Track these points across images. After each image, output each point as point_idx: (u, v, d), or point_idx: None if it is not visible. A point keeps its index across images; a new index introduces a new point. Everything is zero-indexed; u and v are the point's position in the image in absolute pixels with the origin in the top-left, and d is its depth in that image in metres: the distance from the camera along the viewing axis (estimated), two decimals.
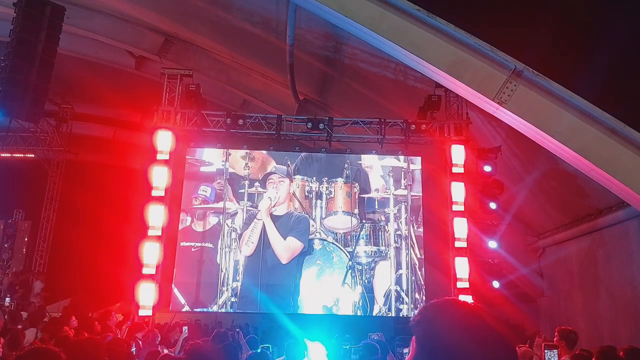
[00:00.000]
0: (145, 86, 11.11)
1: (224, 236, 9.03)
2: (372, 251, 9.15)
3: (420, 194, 9.27)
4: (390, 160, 9.52)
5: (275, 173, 9.22)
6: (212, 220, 9.21)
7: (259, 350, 4.44)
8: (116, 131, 14.03)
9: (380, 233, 9.23)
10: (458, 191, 8.41)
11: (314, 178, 9.38)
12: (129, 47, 11.54)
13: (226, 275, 8.89)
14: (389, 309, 8.89)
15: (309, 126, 8.90)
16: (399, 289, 8.95)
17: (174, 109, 8.99)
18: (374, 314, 8.87)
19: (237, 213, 9.21)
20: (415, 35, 6.40)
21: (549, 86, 6.29)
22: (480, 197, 8.47)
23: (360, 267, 9.03)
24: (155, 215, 8.34)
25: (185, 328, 6.39)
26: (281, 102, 11.22)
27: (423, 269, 8.97)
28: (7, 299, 10.03)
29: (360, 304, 8.84)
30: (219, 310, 8.85)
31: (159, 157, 8.63)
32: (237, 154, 9.50)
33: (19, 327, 6.96)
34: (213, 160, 9.56)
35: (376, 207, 9.33)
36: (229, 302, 8.80)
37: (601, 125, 6.14)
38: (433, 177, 9.60)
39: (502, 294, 8.81)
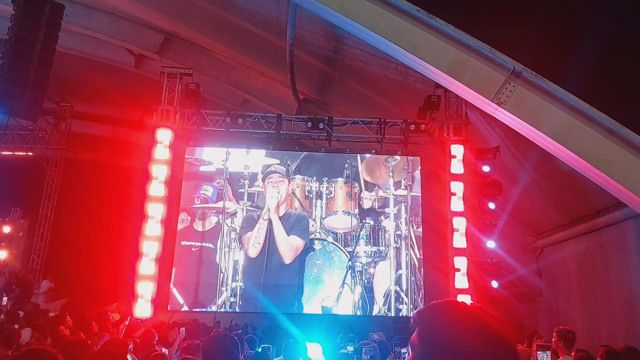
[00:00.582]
0: (144, 85, 11.09)
1: (223, 236, 9.02)
2: (372, 251, 9.16)
3: (420, 194, 9.28)
4: (390, 160, 9.53)
5: (276, 172, 9.21)
6: (213, 220, 9.20)
7: (258, 350, 4.44)
8: (115, 130, 13.99)
9: (380, 233, 9.24)
10: (457, 191, 8.43)
11: (314, 178, 9.39)
12: (129, 45, 11.52)
13: (225, 275, 8.88)
14: (389, 309, 8.90)
15: (308, 125, 8.90)
16: (398, 289, 8.96)
17: (173, 108, 8.98)
18: (373, 314, 8.88)
19: (236, 213, 9.21)
20: (415, 36, 6.41)
21: (547, 87, 6.31)
22: (479, 197, 8.49)
23: (360, 267, 9.04)
24: (154, 215, 8.32)
25: (182, 329, 6.38)
26: (281, 101, 11.22)
27: (422, 269, 8.98)
28: (4, 298, 9.99)
29: (360, 304, 8.85)
30: (218, 310, 8.84)
31: (158, 156, 8.62)
32: (237, 153, 9.49)
33: (16, 326, 6.95)
34: (213, 159, 9.55)
35: (376, 207, 9.35)
36: (228, 302, 8.79)
37: (599, 126, 6.17)
38: (432, 177, 9.62)
39: (500, 293, 8.83)
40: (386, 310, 8.91)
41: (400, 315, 8.82)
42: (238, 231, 9.08)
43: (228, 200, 9.23)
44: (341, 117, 9.75)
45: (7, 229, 13.11)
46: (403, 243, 9.10)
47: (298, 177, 9.39)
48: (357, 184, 9.42)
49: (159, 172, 8.55)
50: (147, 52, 11.46)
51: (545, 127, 6.33)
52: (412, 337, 0.98)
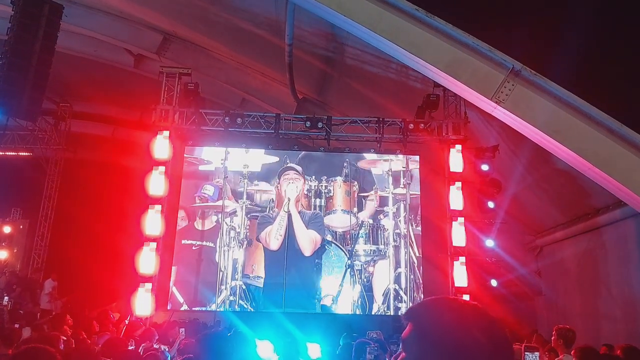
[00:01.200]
0: (144, 84, 11.09)
1: (222, 235, 9.03)
2: (371, 250, 9.16)
3: (419, 193, 9.29)
4: (389, 159, 9.54)
5: (293, 169, 9.23)
6: (213, 219, 9.22)
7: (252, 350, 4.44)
8: (115, 129, 13.99)
9: (379, 232, 9.24)
10: (456, 190, 8.43)
11: (313, 177, 9.40)
12: (128, 45, 11.51)
13: (225, 274, 8.89)
14: (388, 308, 8.90)
15: (307, 125, 8.90)
16: (397, 287, 8.96)
17: (172, 108, 8.98)
18: (372, 313, 8.89)
19: (235, 212, 9.21)
20: (414, 35, 6.40)
21: (546, 85, 6.30)
22: (478, 196, 8.49)
23: (359, 266, 9.04)
24: (154, 215, 8.33)
25: (182, 330, 6.39)
26: (280, 101, 11.22)
27: (421, 268, 8.99)
28: (6, 298, 10.01)
29: (359, 303, 8.86)
30: (218, 309, 8.85)
31: (158, 155, 8.62)
32: (236, 152, 9.49)
33: (16, 325, 6.97)
34: (212, 159, 9.55)
35: (375, 205, 9.35)
36: (228, 301, 8.80)
37: (598, 124, 6.16)
38: (431, 176, 9.62)
39: (500, 292, 8.84)
40: (385, 309, 8.91)
41: (400, 313, 8.82)
42: (238, 230, 9.09)
43: (227, 199, 9.24)
44: (340, 116, 9.74)
45: (7, 229, 13.13)
46: (402, 242, 9.11)
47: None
48: (356, 183, 9.43)
49: (158, 172, 8.56)
50: (146, 52, 11.45)
51: (544, 126, 6.32)
52: (405, 333, 0.95)
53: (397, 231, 9.19)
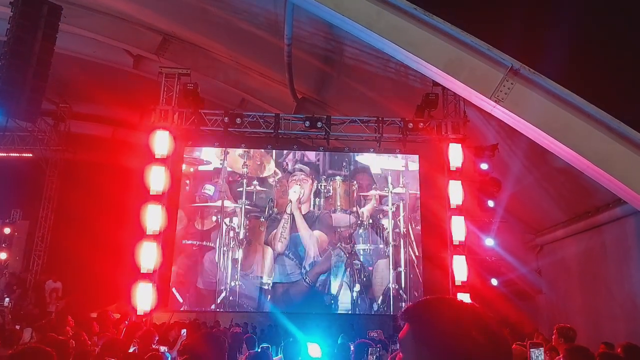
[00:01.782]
0: (143, 85, 11.09)
1: (222, 235, 9.03)
2: (370, 249, 9.16)
3: (418, 192, 9.28)
4: (389, 159, 9.53)
5: (302, 171, 9.28)
6: (212, 219, 9.23)
7: (258, 350, 4.44)
8: (114, 130, 13.99)
9: (378, 231, 9.24)
10: (455, 189, 8.42)
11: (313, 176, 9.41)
12: (127, 46, 11.51)
13: (225, 275, 8.89)
14: (388, 307, 8.90)
15: (307, 125, 8.90)
16: (397, 286, 8.96)
17: (171, 108, 8.98)
18: (372, 312, 8.89)
19: (235, 212, 9.22)
20: (412, 34, 6.39)
21: (545, 84, 6.29)
22: (478, 195, 8.48)
23: (359, 266, 9.04)
24: (153, 215, 8.33)
25: (184, 330, 6.38)
26: (280, 101, 11.22)
27: (421, 267, 8.98)
28: (7, 299, 10.02)
29: (359, 302, 8.86)
30: (218, 310, 8.85)
31: (157, 155, 8.63)
32: (235, 153, 9.50)
33: (17, 327, 6.97)
34: (211, 159, 9.56)
35: (375, 205, 9.35)
36: (227, 302, 8.80)
37: (598, 122, 6.15)
38: (431, 175, 9.61)
39: (500, 291, 8.83)
40: (385, 309, 8.91)
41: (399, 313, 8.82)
42: (237, 230, 9.10)
43: (226, 200, 9.24)
44: (339, 116, 9.74)
45: (7, 231, 13.12)
46: (402, 241, 9.11)
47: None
48: (355, 182, 9.43)
49: (158, 172, 8.56)
50: (145, 52, 11.45)
51: (543, 124, 6.32)
52: (402, 333, 0.95)
53: (397, 230, 9.19)
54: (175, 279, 8.87)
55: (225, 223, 9.12)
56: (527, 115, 6.39)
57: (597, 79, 6.84)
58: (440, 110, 8.90)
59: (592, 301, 8.53)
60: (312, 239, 8.93)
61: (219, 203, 9.26)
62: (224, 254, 8.97)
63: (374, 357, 4.22)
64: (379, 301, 8.92)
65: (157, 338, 5.79)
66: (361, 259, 9.09)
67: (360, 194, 9.40)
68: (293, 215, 8.93)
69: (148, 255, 8.17)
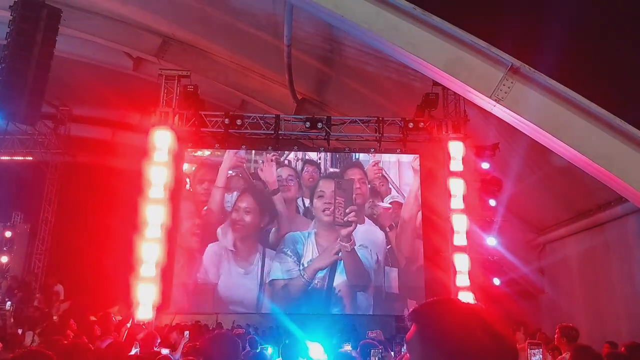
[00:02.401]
0: (143, 87, 11.08)
1: (222, 233, 9.03)
2: (370, 248, 9.13)
3: (419, 192, 9.27)
4: (389, 158, 9.52)
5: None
6: (212, 218, 9.21)
7: (257, 350, 4.43)
8: (114, 133, 13.98)
9: (378, 230, 9.22)
10: (457, 189, 8.40)
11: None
12: (127, 48, 11.51)
13: (224, 273, 8.87)
14: (388, 308, 8.88)
15: (307, 125, 8.90)
16: (398, 286, 8.94)
17: (172, 110, 8.99)
18: (373, 313, 8.87)
19: (235, 209, 9.20)
20: (412, 34, 6.39)
21: (545, 82, 6.28)
22: (480, 194, 8.47)
23: (359, 265, 9.02)
24: (154, 216, 8.32)
25: (186, 332, 6.37)
26: (280, 102, 11.21)
27: (423, 267, 8.96)
28: (8, 303, 10.00)
29: (359, 302, 8.84)
30: (218, 312, 8.84)
31: (157, 158, 8.62)
32: (238, 153, 9.48)
33: (19, 330, 6.96)
34: (213, 160, 9.56)
35: (375, 203, 9.33)
36: (227, 301, 8.79)
37: (598, 120, 6.14)
38: (432, 174, 9.60)
39: (502, 291, 8.80)
40: (385, 309, 8.90)
41: (404, 314, 8.79)
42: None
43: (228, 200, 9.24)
44: (339, 116, 9.74)
45: (8, 234, 13.12)
46: (402, 240, 9.09)
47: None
48: (353, 178, 9.41)
49: (158, 174, 8.55)
50: (145, 55, 11.45)
51: (544, 123, 6.31)
52: (409, 334, 0.96)
53: (397, 229, 9.16)
54: (178, 281, 8.85)
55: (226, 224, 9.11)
56: (527, 114, 6.38)
57: (598, 76, 6.83)
58: (440, 110, 8.89)
59: (594, 300, 8.50)
60: (310, 237, 8.92)
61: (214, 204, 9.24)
62: (224, 253, 8.95)
63: (377, 358, 4.19)
64: (380, 302, 8.90)
65: (159, 340, 5.77)
66: (361, 258, 9.06)
67: (358, 192, 9.36)
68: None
69: (150, 258, 8.16)
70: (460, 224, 8.29)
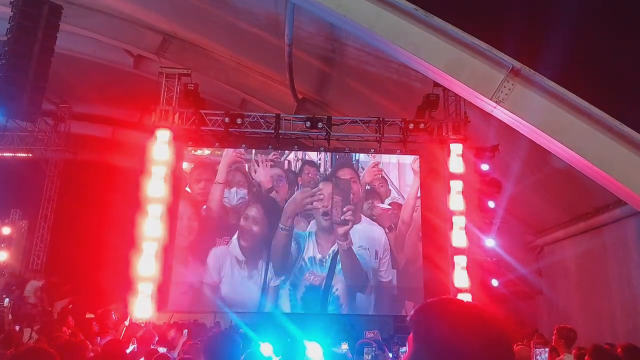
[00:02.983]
0: (143, 85, 11.07)
1: (222, 232, 9.03)
2: (368, 248, 9.14)
3: (419, 193, 9.27)
4: (389, 159, 9.52)
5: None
6: (212, 217, 9.21)
7: (256, 350, 4.43)
8: (114, 130, 13.97)
9: (377, 231, 9.23)
10: (456, 190, 8.42)
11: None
12: (127, 46, 11.50)
13: (223, 272, 8.88)
14: (387, 308, 8.89)
15: (307, 125, 8.90)
16: (396, 286, 8.95)
17: (172, 108, 8.98)
18: (371, 313, 8.88)
19: (236, 208, 9.20)
20: (413, 34, 6.39)
21: (546, 85, 6.29)
22: (479, 195, 8.49)
23: (355, 264, 9.02)
24: (153, 215, 8.32)
25: (185, 331, 6.37)
26: (280, 101, 11.21)
27: (422, 268, 8.97)
28: (6, 300, 9.98)
29: (358, 303, 8.85)
30: (217, 311, 8.84)
31: (157, 156, 8.63)
32: (237, 152, 9.48)
33: (17, 327, 6.96)
34: (213, 158, 9.55)
35: (374, 204, 9.33)
36: (226, 300, 8.79)
37: (599, 123, 6.15)
38: (431, 175, 9.62)
39: (501, 292, 8.82)
40: (385, 309, 8.91)
41: (399, 314, 8.81)
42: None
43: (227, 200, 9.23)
44: (340, 116, 9.74)
45: (7, 231, 13.10)
46: (401, 241, 9.10)
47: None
48: (351, 178, 9.42)
49: (158, 173, 8.55)
50: (145, 52, 11.44)
51: (544, 125, 6.31)
52: (411, 334, 0.97)
53: (397, 230, 9.17)
54: (176, 280, 8.85)
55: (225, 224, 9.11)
56: (527, 116, 6.39)
57: (598, 79, 6.84)
58: (440, 111, 8.90)
59: (592, 302, 8.53)
60: (311, 237, 8.93)
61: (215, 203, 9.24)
62: (230, 257, 8.96)
63: (370, 356, 4.20)
64: (379, 302, 8.91)
65: (156, 338, 5.78)
66: (358, 258, 9.07)
67: (355, 190, 9.35)
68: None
69: (148, 256, 8.16)
70: (459, 225, 8.30)
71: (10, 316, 8.03)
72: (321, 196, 9.25)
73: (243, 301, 8.80)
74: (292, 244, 8.93)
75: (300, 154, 9.60)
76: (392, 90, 9.93)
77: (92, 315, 7.90)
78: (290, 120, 9.30)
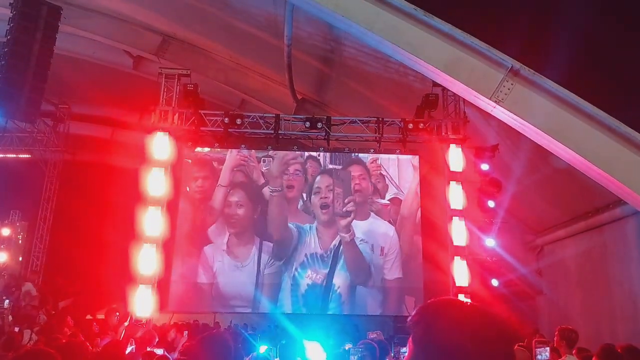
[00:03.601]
0: (143, 86, 11.07)
1: (220, 231, 9.01)
2: (372, 243, 9.11)
3: (419, 193, 9.26)
4: (389, 156, 9.50)
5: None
6: (211, 217, 9.19)
7: (257, 352, 4.42)
8: (114, 131, 13.97)
9: (378, 231, 9.21)
10: (456, 190, 8.41)
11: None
12: (127, 46, 11.49)
13: (221, 270, 8.86)
14: (388, 308, 8.88)
15: (307, 125, 8.89)
16: (397, 286, 8.94)
17: (171, 109, 8.97)
18: (373, 314, 8.87)
19: (231, 204, 9.18)
20: (412, 34, 6.39)
21: (546, 85, 6.29)
22: (479, 195, 8.48)
23: (359, 257, 9.00)
24: (152, 219, 8.31)
25: (185, 332, 6.36)
26: (280, 102, 11.21)
27: (422, 268, 8.96)
28: (6, 301, 9.96)
29: (359, 302, 8.83)
30: (217, 311, 8.83)
31: (157, 156, 8.62)
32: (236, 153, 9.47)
33: (16, 329, 6.95)
34: (214, 158, 9.54)
35: (374, 200, 9.32)
36: (225, 298, 8.77)
37: (598, 123, 6.14)
38: (431, 175, 9.61)
39: (501, 292, 8.82)
40: (385, 310, 8.89)
41: (400, 314, 8.80)
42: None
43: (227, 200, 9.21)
44: (339, 116, 9.74)
45: (6, 232, 13.10)
46: (401, 242, 9.08)
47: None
48: (351, 174, 9.39)
49: (158, 173, 8.55)
50: (145, 53, 11.44)
51: (544, 125, 6.31)
52: (413, 334, 0.97)
53: (396, 232, 9.15)
54: (176, 280, 8.84)
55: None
56: (527, 116, 6.38)
57: (598, 79, 6.84)
58: (440, 111, 8.89)
59: (592, 302, 8.52)
60: (312, 230, 8.91)
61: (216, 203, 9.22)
62: (219, 251, 8.93)
63: (355, 357, 4.18)
64: (379, 302, 8.89)
65: (157, 340, 5.77)
66: (361, 251, 9.02)
67: (357, 188, 9.32)
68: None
69: (147, 256, 8.15)
70: (459, 225, 8.30)
71: (10, 317, 8.02)
72: (319, 190, 9.20)
73: (241, 295, 8.73)
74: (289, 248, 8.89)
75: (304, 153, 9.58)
76: (391, 90, 9.93)
77: (90, 317, 7.89)
78: (289, 120, 9.29)
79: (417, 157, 9.36)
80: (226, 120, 8.92)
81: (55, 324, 7.17)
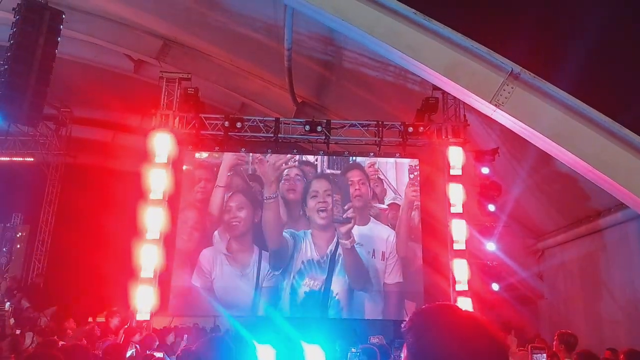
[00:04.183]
0: (144, 89, 11.12)
1: (219, 234, 9.02)
2: (374, 250, 9.09)
3: (419, 197, 9.24)
4: (387, 160, 9.50)
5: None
6: (211, 217, 9.19)
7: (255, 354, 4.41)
8: (115, 134, 14.02)
9: (377, 232, 9.19)
10: (456, 193, 8.40)
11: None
12: (128, 51, 11.56)
13: (221, 274, 8.85)
14: (388, 313, 8.85)
15: (307, 129, 8.91)
16: (398, 292, 8.91)
17: (172, 112, 9.01)
18: (373, 318, 8.84)
19: (231, 208, 9.18)
20: (412, 38, 6.41)
21: (546, 88, 6.29)
22: (479, 199, 8.46)
23: (358, 263, 8.98)
24: (154, 219, 8.33)
25: (185, 336, 6.36)
26: (280, 105, 11.24)
27: (422, 273, 8.93)
28: (7, 304, 9.97)
29: (358, 307, 8.81)
30: (216, 315, 8.81)
31: (157, 160, 8.64)
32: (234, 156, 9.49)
33: (18, 331, 6.96)
34: (212, 162, 9.56)
35: (372, 205, 9.31)
36: (223, 302, 8.76)
37: (599, 127, 6.13)
38: (431, 179, 9.60)
39: (501, 296, 8.78)
40: (386, 314, 8.86)
41: (401, 318, 8.76)
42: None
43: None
44: (339, 120, 9.75)
45: (8, 235, 13.12)
46: (401, 244, 9.06)
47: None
48: (349, 179, 9.39)
49: (158, 177, 8.57)
50: (146, 57, 11.50)
51: (544, 129, 6.30)
52: (408, 340, 0.97)
53: (397, 233, 9.13)
54: (176, 284, 8.84)
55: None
56: (527, 120, 6.38)
57: (599, 83, 6.83)
58: (440, 114, 8.90)
59: (593, 306, 8.47)
60: (307, 236, 8.89)
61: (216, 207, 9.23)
62: (219, 256, 8.93)
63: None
64: (380, 306, 8.86)
65: (157, 343, 5.77)
66: (360, 257, 9.01)
67: (357, 194, 9.31)
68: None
69: (148, 260, 8.16)
70: (459, 229, 8.28)
71: (12, 320, 8.03)
72: (316, 193, 9.19)
73: (237, 301, 8.73)
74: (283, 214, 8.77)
75: (297, 156, 9.58)
76: (391, 93, 9.95)
77: (91, 320, 7.89)
78: (289, 124, 9.31)
79: (416, 160, 9.36)
80: (226, 123, 8.95)
81: (55, 326, 7.18)
